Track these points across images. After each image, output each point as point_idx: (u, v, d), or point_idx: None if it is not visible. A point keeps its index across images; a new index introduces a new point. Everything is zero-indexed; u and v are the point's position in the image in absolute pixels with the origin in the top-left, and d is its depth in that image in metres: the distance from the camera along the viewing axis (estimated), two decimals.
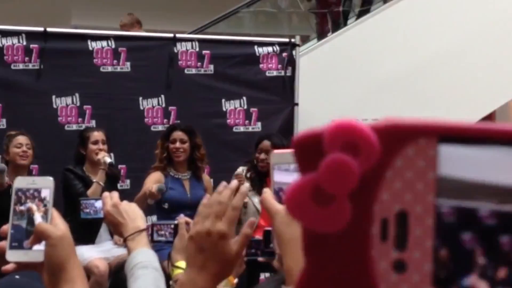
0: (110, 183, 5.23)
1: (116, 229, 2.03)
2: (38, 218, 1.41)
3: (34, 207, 1.43)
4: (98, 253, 5.01)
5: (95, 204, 2.22)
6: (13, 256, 1.42)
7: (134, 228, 1.96)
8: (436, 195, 0.40)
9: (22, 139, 5.20)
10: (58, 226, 1.41)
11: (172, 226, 2.64)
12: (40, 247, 1.40)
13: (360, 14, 8.30)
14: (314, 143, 0.41)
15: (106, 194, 2.11)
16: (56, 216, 1.44)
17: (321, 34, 8.37)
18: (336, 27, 8.27)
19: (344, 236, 0.41)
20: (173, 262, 2.29)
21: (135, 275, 1.84)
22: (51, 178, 1.47)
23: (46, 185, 1.46)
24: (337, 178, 0.40)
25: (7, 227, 1.41)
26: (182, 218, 2.51)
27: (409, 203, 0.40)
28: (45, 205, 1.44)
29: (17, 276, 2.17)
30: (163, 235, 2.61)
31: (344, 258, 0.41)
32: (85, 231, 4.93)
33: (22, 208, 1.43)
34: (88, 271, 4.94)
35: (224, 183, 1.39)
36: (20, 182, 1.46)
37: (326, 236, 0.41)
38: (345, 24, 8.23)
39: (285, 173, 1.22)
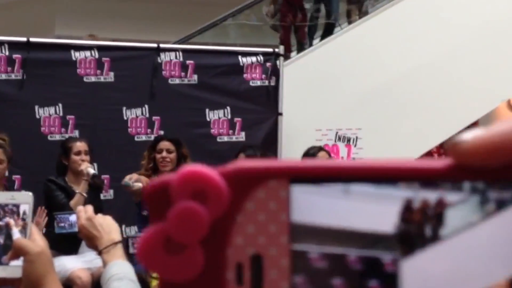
0: (93, 194, 5.22)
1: (91, 243, 2.03)
2: (16, 233, 1.40)
3: (12, 222, 1.41)
4: (81, 264, 4.98)
5: (69, 218, 2.20)
6: None
7: (109, 241, 1.97)
8: (291, 237, 0.40)
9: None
10: (37, 242, 1.40)
11: None
12: (18, 262, 1.38)
13: (324, 32, 8.31)
14: (163, 191, 0.40)
15: (80, 208, 2.11)
16: (35, 231, 1.43)
17: (300, 46, 8.37)
18: (300, 45, 8.29)
19: (199, 283, 0.40)
20: (151, 274, 2.29)
21: (111, 287, 1.84)
22: (30, 194, 1.46)
23: (25, 201, 1.45)
24: (186, 226, 0.39)
25: None
26: None
27: (262, 245, 0.40)
28: (23, 220, 1.42)
29: None
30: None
31: None
32: (67, 242, 4.91)
33: (0, 223, 1.42)
34: (71, 282, 4.92)
35: None
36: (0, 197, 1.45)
37: (182, 285, 0.40)
38: (311, 44, 8.24)
39: None
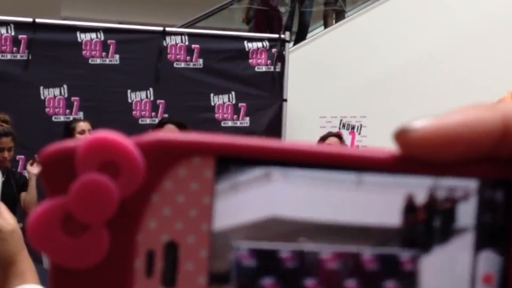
0: None
1: None
2: None
3: None
4: None
5: None
6: None
7: None
8: (212, 223, 0.34)
9: (8, 143, 5.06)
10: (7, 220, 1.39)
11: None
12: None
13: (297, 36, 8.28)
14: (66, 160, 0.33)
15: None
16: (3, 210, 1.42)
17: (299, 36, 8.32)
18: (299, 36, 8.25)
19: (101, 271, 0.34)
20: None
21: None
22: None
23: None
24: (91, 203, 0.33)
25: None
26: None
27: (179, 232, 0.34)
28: None
29: None
30: None
31: None
32: None
33: None
34: None
35: None
36: None
37: (79, 272, 0.34)
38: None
39: None
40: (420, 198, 0.34)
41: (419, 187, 0.34)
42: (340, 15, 8.19)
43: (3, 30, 5.98)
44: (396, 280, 0.35)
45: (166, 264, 0.34)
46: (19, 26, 6.05)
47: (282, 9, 8.47)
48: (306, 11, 8.44)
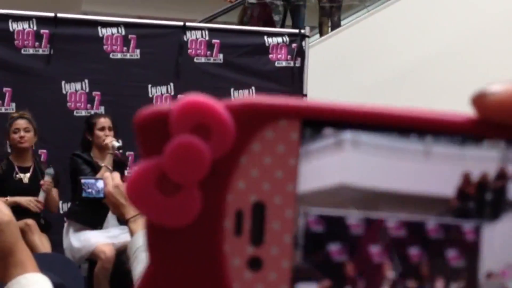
0: (118, 170, 5.26)
1: (117, 210, 2.05)
2: None
3: None
4: (105, 239, 5.03)
5: (96, 184, 2.20)
6: None
7: (136, 210, 1.98)
8: (296, 185, 0.35)
9: (20, 123, 5.24)
10: (3, 211, 1.39)
11: None
12: None
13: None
14: (160, 122, 0.35)
15: (107, 174, 2.12)
16: None
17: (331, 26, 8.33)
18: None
19: (193, 229, 0.36)
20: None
21: (139, 258, 1.85)
22: None
23: None
24: (185, 164, 0.34)
25: None
26: None
27: (266, 192, 0.35)
28: None
29: None
30: None
31: (194, 255, 0.36)
32: (92, 216, 4.97)
33: None
34: (95, 256, 4.98)
35: None
36: None
37: (173, 230, 0.35)
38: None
39: None
40: (489, 169, 0.35)
41: (487, 159, 0.35)
42: (335, 24, 8.18)
43: (25, 25, 6.02)
44: (458, 249, 0.36)
45: (254, 224, 0.35)
46: (41, 21, 6.09)
47: (276, 17, 8.48)
48: (299, 18, 8.45)
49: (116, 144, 5.17)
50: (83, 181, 2.08)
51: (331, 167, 0.35)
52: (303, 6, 8.43)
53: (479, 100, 0.34)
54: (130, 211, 1.98)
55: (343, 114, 0.35)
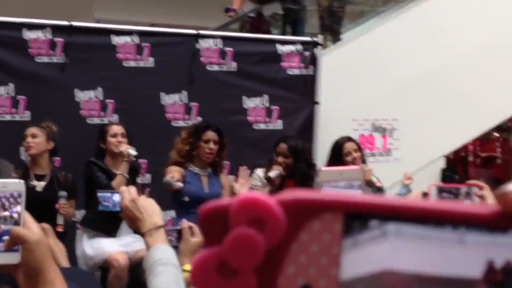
0: (130, 176, 5.29)
1: (134, 224, 2.07)
2: (20, 221, 1.42)
3: (19, 210, 1.43)
4: (119, 247, 5.05)
5: (112, 198, 2.23)
6: None
7: (152, 224, 2.00)
8: (339, 271, 0.40)
9: (29, 129, 5.27)
10: (33, 230, 1.41)
11: (176, 231, 2.69)
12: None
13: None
14: (221, 216, 0.40)
15: (124, 188, 2.15)
16: (29, 219, 1.43)
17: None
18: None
19: None
20: (180, 266, 2.35)
21: (155, 271, 1.87)
22: (22, 182, 1.47)
23: (18, 189, 1.45)
24: (242, 253, 0.39)
25: None
26: (184, 224, 2.59)
27: (313, 276, 0.40)
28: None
29: None
30: (168, 240, 2.67)
31: None
32: (107, 224, 4.99)
33: (6, 213, 1.44)
34: (108, 264, 5.00)
35: None
36: None
37: None
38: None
39: (335, 190, 1.19)
40: None
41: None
42: (336, 37, 8.16)
43: (40, 34, 6.06)
44: None
45: None
46: (55, 29, 6.12)
47: (274, 31, 8.48)
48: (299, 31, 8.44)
49: (133, 152, 5.18)
50: (99, 194, 2.10)
51: (376, 255, 0.39)
52: (302, 19, 8.42)
53: (502, 197, 0.37)
54: (146, 224, 2.00)
55: (383, 208, 0.39)
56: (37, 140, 5.25)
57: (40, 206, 5.16)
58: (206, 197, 5.16)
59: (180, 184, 5.07)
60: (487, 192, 2.27)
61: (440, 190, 2.37)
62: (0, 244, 1.41)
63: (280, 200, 0.40)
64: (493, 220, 0.38)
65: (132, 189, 2.12)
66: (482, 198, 2.27)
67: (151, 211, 2.05)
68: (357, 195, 0.40)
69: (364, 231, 0.39)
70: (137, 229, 2.05)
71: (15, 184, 1.45)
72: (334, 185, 1.17)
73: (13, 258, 1.40)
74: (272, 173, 5.14)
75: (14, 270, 1.41)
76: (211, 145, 5.23)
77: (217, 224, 0.41)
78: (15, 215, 1.43)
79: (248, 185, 4.91)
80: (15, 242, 1.38)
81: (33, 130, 5.28)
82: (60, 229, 4.93)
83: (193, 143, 5.25)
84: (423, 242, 0.38)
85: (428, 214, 0.39)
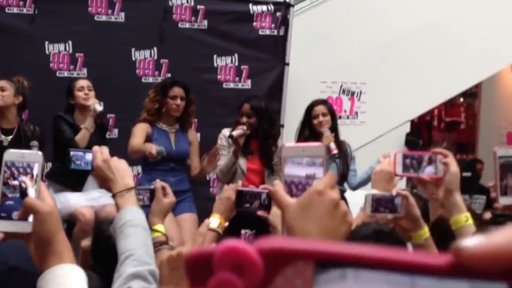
0: (99, 132, 5.30)
1: (105, 184, 2.10)
2: (32, 192, 1.46)
3: (27, 181, 1.46)
4: (85, 201, 5.09)
5: (85, 157, 2.25)
6: (2, 226, 1.47)
7: (123, 186, 2.04)
8: None
9: (0, 83, 5.22)
10: (46, 201, 1.45)
11: (149, 191, 2.70)
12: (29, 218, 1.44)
13: None
14: (206, 261, 0.45)
15: (96, 148, 2.16)
16: (43, 190, 1.47)
17: None
18: None
19: None
20: (151, 226, 2.37)
21: (125, 232, 1.91)
22: (40, 153, 1.50)
23: (35, 159, 1.48)
24: None
25: None
26: (158, 183, 2.61)
27: None
28: (34, 180, 1.47)
29: None
30: (140, 199, 2.64)
31: None
32: (73, 179, 5.02)
33: (15, 182, 1.47)
34: (74, 218, 5.04)
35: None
36: (10, 155, 1.49)
37: None
38: None
39: (298, 166, 1.18)
40: None
41: None
42: None
43: None
44: None
45: None
46: None
47: None
48: None
49: (99, 108, 5.16)
50: (72, 153, 2.11)
51: None
52: None
53: (457, 252, 0.42)
54: (118, 185, 2.03)
55: (347, 257, 0.44)
56: (5, 93, 5.22)
57: None
58: (174, 154, 5.21)
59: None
60: (451, 160, 2.34)
61: (405, 157, 2.44)
62: (15, 212, 1.45)
63: (259, 248, 0.45)
64: (445, 270, 0.43)
65: (105, 149, 2.14)
66: (445, 165, 2.33)
67: (123, 172, 2.08)
68: (327, 244, 0.45)
69: (330, 276, 0.44)
70: (108, 189, 2.08)
71: (32, 155, 1.49)
72: (297, 162, 1.19)
73: (25, 227, 1.44)
74: (235, 132, 5.15)
75: (27, 238, 1.45)
76: (178, 101, 5.23)
77: (202, 268, 0.45)
78: (23, 185, 1.46)
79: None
80: (28, 212, 1.42)
81: (2, 83, 5.24)
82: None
83: (160, 100, 5.26)
84: (378, 285, 0.44)
85: (386, 263, 0.44)
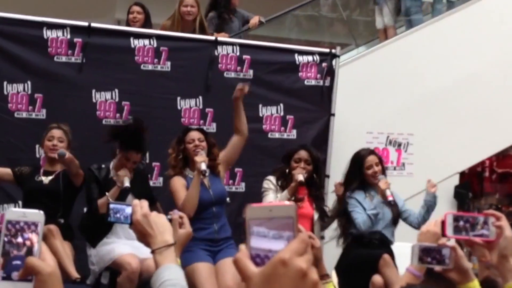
0: (140, 182, 5.28)
1: (144, 239, 2.04)
2: (37, 252, 1.42)
3: (34, 239, 1.43)
4: (130, 250, 5.04)
5: (125, 210, 2.22)
6: (1, 287, 1.42)
7: (162, 242, 1.98)
8: None
9: (55, 132, 5.31)
10: (48, 261, 1.40)
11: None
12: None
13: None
14: None
15: (136, 202, 2.10)
16: (45, 250, 1.43)
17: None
18: None
19: None
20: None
21: None
22: (42, 212, 1.47)
23: (36, 219, 1.45)
24: None
25: None
26: (175, 214, 2.55)
27: None
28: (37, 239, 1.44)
29: None
30: None
31: None
32: (95, 232, 5.13)
33: (20, 240, 1.44)
34: (119, 267, 4.99)
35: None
36: (11, 214, 1.45)
37: None
38: None
39: (263, 239, 1.04)
40: None
41: None
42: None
43: (60, 33, 6.08)
44: None
45: None
46: (74, 29, 6.15)
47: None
48: None
49: (126, 183, 5.08)
50: (111, 206, 2.09)
51: None
52: None
53: None
54: (157, 241, 1.98)
55: None
56: (62, 144, 5.29)
57: (45, 197, 5.22)
58: (213, 198, 5.17)
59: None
60: (505, 223, 2.26)
61: (456, 218, 2.37)
62: (14, 273, 1.41)
63: None
64: None
65: (144, 203, 2.09)
66: (499, 228, 2.25)
67: (163, 228, 2.03)
68: None
69: None
70: (146, 245, 2.03)
71: (34, 214, 1.46)
72: (263, 234, 1.05)
73: (26, 287, 1.40)
74: (301, 177, 5.23)
75: None
76: (196, 142, 5.21)
77: None
78: (28, 242, 1.43)
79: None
80: (29, 272, 1.38)
81: (59, 134, 5.31)
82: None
83: (179, 148, 5.24)
84: None
85: None
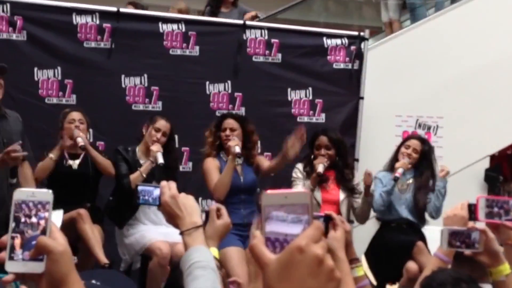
0: (165, 173, 5.29)
1: (172, 221, 2.03)
2: (47, 231, 1.41)
3: (47, 216, 1.42)
4: (159, 235, 5.08)
5: (153, 192, 2.22)
6: (12, 267, 1.40)
7: (191, 223, 1.97)
8: None
9: (75, 115, 5.32)
10: (59, 240, 1.39)
11: (204, 213, 2.64)
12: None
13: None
14: None
15: (164, 183, 2.10)
16: (55, 230, 1.41)
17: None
18: None
19: None
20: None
21: (193, 274, 1.84)
22: (50, 191, 1.46)
23: (45, 198, 1.44)
24: None
25: (6, 238, 1.40)
26: (213, 205, 2.54)
27: None
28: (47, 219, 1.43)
29: (93, 281, 2.19)
30: None
31: None
32: (127, 207, 5.21)
33: (34, 220, 1.43)
34: (151, 252, 5.03)
35: None
36: (20, 194, 1.42)
37: None
38: None
39: (281, 224, 1.04)
40: None
41: None
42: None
43: (89, 19, 6.11)
44: None
45: None
46: (103, 15, 6.16)
47: None
48: None
49: (160, 159, 5.17)
50: (140, 188, 2.09)
51: None
52: None
53: None
54: (186, 223, 1.97)
55: None
56: (82, 126, 5.30)
57: (73, 181, 5.25)
58: (243, 186, 5.19)
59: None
60: None
61: (490, 204, 2.35)
62: (25, 253, 1.41)
63: None
64: None
65: (173, 185, 2.08)
66: None
67: (191, 209, 2.02)
68: None
69: None
70: (175, 226, 2.02)
71: (43, 193, 1.45)
72: (281, 219, 1.05)
73: (37, 267, 1.38)
74: (320, 168, 5.25)
75: (37, 279, 1.40)
76: (227, 132, 5.24)
77: None
78: (42, 222, 1.42)
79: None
80: (41, 252, 1.38)
81: (80, 116, 5.34)
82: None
83: (215, 134, 5.27)
84: None
85: None
